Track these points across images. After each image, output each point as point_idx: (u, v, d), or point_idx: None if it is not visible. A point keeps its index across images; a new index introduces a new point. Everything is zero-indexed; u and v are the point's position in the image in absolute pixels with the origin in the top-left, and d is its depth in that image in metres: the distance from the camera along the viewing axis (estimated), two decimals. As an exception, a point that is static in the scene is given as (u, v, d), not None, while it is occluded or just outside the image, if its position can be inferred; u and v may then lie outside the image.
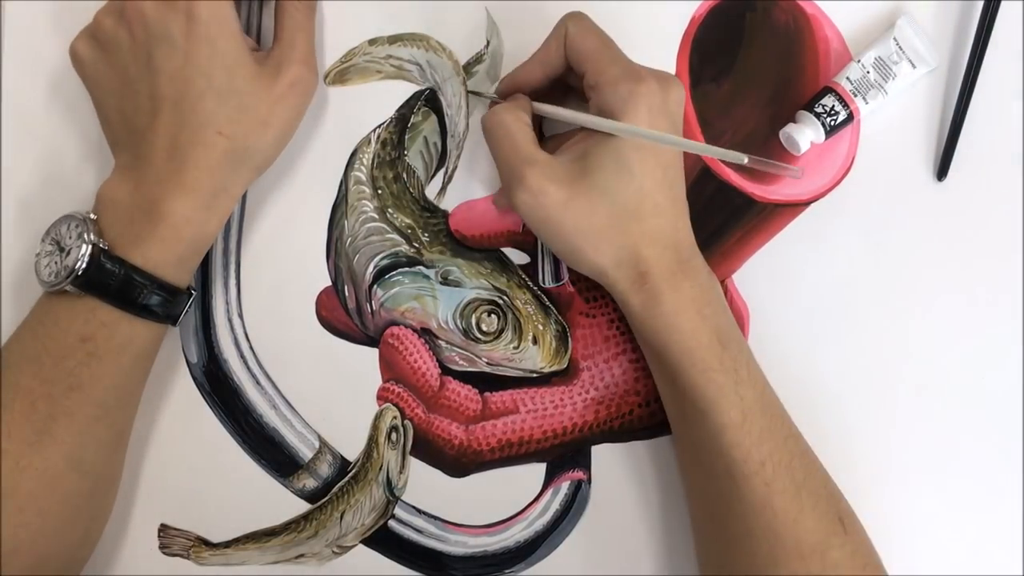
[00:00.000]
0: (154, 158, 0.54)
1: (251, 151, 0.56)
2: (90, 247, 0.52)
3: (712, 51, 0.61)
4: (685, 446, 0.56)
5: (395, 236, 0.61)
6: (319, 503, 0.60)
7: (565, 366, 0.61)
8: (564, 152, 0.54)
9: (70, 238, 0.53)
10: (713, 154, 0.51)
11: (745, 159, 0.49)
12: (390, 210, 0.61)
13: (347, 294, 0.61)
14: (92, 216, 0.54)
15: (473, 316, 0.61)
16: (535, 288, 0.61)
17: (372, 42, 0.62)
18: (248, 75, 0.55)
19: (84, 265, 0.52)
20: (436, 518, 0.60)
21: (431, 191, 0.61)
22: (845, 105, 0.59)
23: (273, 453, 0.60)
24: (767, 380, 0.55)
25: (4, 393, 0.53)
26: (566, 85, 0.58)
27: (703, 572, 0.57)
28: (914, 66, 0.59)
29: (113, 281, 0.52)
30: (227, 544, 0.60)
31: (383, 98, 0.61)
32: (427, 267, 0.61)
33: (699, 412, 0.53)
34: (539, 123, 0.60)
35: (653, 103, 0.52)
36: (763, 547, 0.52)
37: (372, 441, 0.60)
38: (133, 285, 0.53)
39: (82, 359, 0.53)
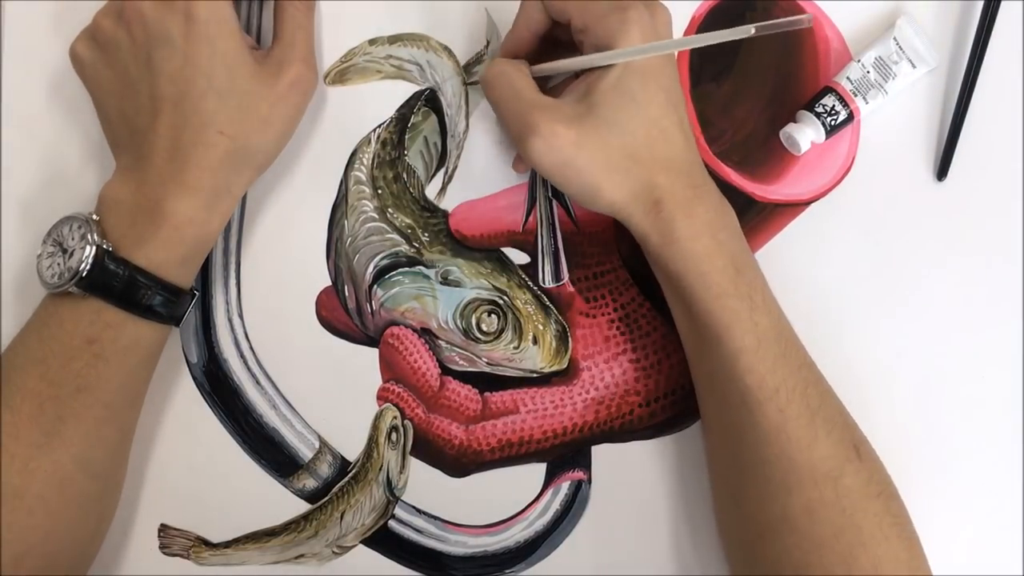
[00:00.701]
0: (156, 158, 0.54)
1: (252, 150, 0.56)
2: (94, 248, 0.52)
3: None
4: (700, 376, 0.56)
5: (395, 236, 0.61)
6: (319, 503, 0.60)
7: (565, 366, 0.61)
8: (567, 94, 0.54)
9: (73, 239, 0.53)
10: (718, 38, 0.50)
11: (752, 30, 0.48)
12: (390, 210, 0.61)
13: (347, 294, 0.61)
14: (95, 217, 0.54)
15: (473, 316, 0.61)
16: (535, 288, 0.61)
17: (372, 42, 0.62)
18: (249, 74, 0.55)
19: (88, 267, 0.52)
20: (436, 518, 0.60)
21: (431, 191, 0.61)
22: (845, 105, 0.59)
23: (273, 453, 0.60)
24: (780, 308, 0.55)
25: (11, 396, 0.53)
26: (553, 45, 0.57)
27: (717, 505, 0.57)
28: (914, 66, 0.59)
29: (117, 282, 0.52)
30: (227, 544, 0.60)
31: (383, 98, 0.61)
32: (427, 267, 0.61)
33: (713, 338, 0.52)
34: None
35: (644, 26, 0.52)
36: (777, 474, 0.52)
37: (372, 441, 0.60)
38: (137, 286, 0.53)
39: (89, 361, 0.53)
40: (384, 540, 0.60)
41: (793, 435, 0.51)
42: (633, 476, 0.60)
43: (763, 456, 0.52)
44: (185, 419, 0.60)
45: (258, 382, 0.61)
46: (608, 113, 0.52)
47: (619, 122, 0.52)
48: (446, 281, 0.61)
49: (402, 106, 0.61)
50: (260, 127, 0.55)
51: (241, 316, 0.61)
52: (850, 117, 0.59)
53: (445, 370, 0.61)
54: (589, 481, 0.60)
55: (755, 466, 0.53)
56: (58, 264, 0.53)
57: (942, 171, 0.61)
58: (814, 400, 0.53)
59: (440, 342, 0.61)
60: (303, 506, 0.60)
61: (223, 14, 0.54)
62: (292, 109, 0.57)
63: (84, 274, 0.52)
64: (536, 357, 0.60)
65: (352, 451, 0.61)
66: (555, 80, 0.59)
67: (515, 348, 0.61)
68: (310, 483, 0.60)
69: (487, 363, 0.61)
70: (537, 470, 0.61)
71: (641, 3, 0.53)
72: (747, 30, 0.48)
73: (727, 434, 0.54)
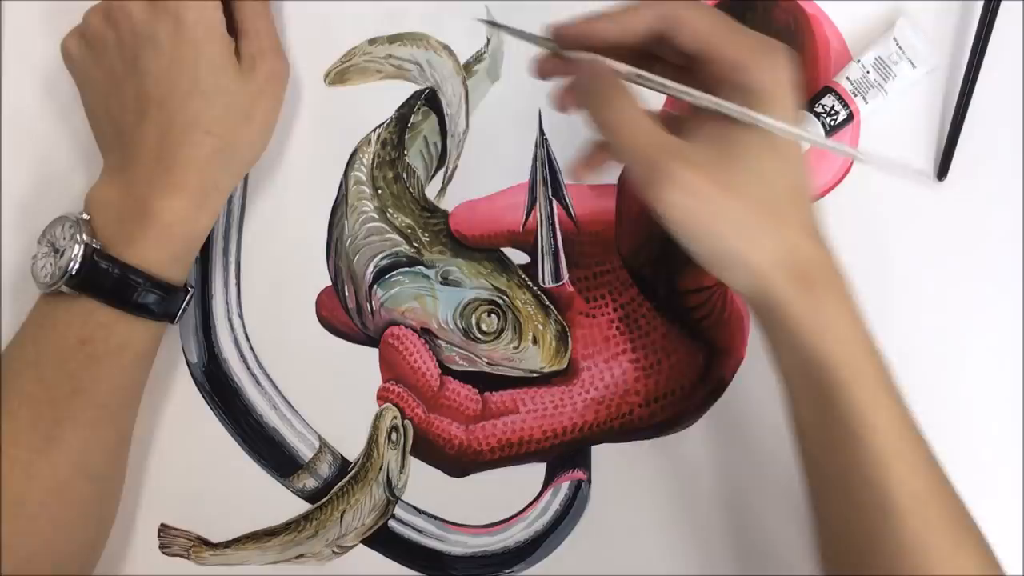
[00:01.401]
0: (143, 158, 0.54)
1: (239, 148, 0.56)
2: (82, 247, 0.52)
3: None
4: (829, 475, 0.50)
5: (395, 236, 0.61)
6: (319, 503, 0.60)
7: (565, 366, 0.61)
8: (694, 135, 0.47)
9: (64, 239, 0.53)
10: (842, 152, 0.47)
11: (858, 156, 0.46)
12: (390, 210, 0.61)
13: (347, 294, 0.61)
14: (85, 217, 0.54)
15: (473, 316, 0.61)
16: (535, 288, 0.61)
17: (372, 42, 0.62)
18: (233, 75, 0.55)
19: (77, 265, 0.52)
20: (436, 518, 0.60)
21: (431, 191, 0.61)
22: (845, 105, 0.59)
23: (273, 453, 0.60)
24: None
25: (8, 399, 0.53)
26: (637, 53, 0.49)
27: None
28: (914, 66, 0.59)
29: (107, 280, 0.52)
30: (227, 544, 0.60)
31: (383, 98, 0.61)
32: (427, 267, 0.61)
33: (855, 438, 0.46)
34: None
35: (791, 72, 0.46)
36: None
37: (372, 441, 0.60)
38: (128, 284, 0.53)
39: (83, 362, 0.53)
40: (384, 540, 0.60)
41: (933, 547, 0.47)
42: (633, 476, 0.60)
43: (896, 568, 0.47)
44: (185, 419, 0.60)
45: (258, 382, 0.61)
46: (755, 164, 0.46)
47: (766, 175, 0.46)
48: (446, 281, 0.61)
49: (402, 106, 0.61)
50: (245, 124, 0.56)
51: (241, 316, 0.61)
52: (850, 117, 0.59)
53: (445, 370, 0.61)
54: (589, 481, 0.60)
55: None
56: (50, 264, 0.53)
57: (942, 171, 0.61)
58: (951, 508, 0.48)
59: (440, 342, 0.61)
60: (303, 506, 0.60)
61: (210, 16, 0.55)
62: (271, 100, 0.58)
63: (74, 272, 0.52)
64: (536, 357, 0.61)
65: (352, 451, 0.61)
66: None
67: (515, 348, 0.61)
68: (310, 483, 0.61)
69: (487, 363, 0.61)
70: (537, 470, 0.61)
71: (782, 44, 0.46)
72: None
73: (854, 540, 0.49)
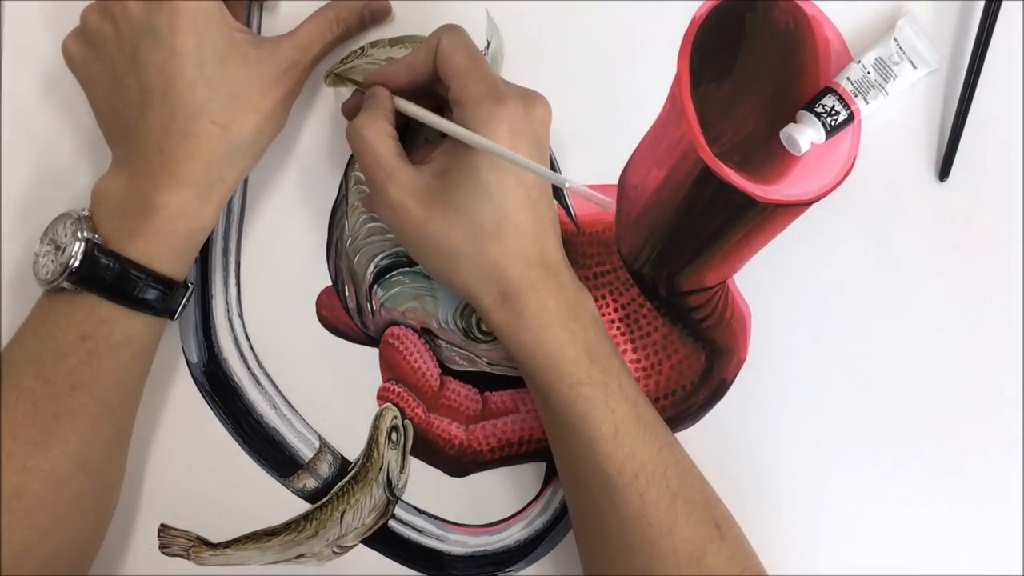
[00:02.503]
0: (146, 151, 0.54)
1: (246, 139, 0.55)
2: (83, 243, 0.52)
3: (713, 52, 0.61)
4: (562, 463, 0.56)
5: (395, 236, 0.61)
6: (319, 503, 0.60)
7: (565, 366, 0.61)
8: (427, 165, 0.54)
9: (65, 236, 0.53)
10: (544, 176, 0.52)
11: (567, 183, 0.51)
12: (391, 210, 0.61)
13: (347, 294, 0.61)
14: (86, 213, 0.54)
15: (473, 316, 0.61)
16: (535, 288, 0.61)
17: (373, 44, 0.62)
18: (240, 61, 0.55)
19: (78, 261, 0.52)
20: (436, 518, 0.60)
21: (431, 191, 0.61)
22: (846, 105, 0.59)
23: (273, 453, 0.60)
24: (640, 392, 0.54)
25: (7, 394, 0.53)
26: (435, 92, 0.57)
27: None
28: (915, 67, 0.59)
29: (108, 275, 0.52)
30: (227, 544, 0.60)
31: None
32: (427, 267, 0.61)
33: (571, 427, 0.52)
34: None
35: (515, 124, 0.52)
36: (641, 559, 0.52)
37: (372, 441, 0.60)
38: (129, 279, 0.53)
39: (83, 357, 0.53)
40: (384, 540, 0.60)
41: (654, 520, 0.51)
42: (633, 476, 0.60)
43: (626, 542, 0.52)
44: (185, 419, 0.60)
45: (258, 382, 0.61)
46: (458, 199, 0.52)
47: (468, 210, 0.52)
48: (446, 281, 0.61)
49: (403, 107, 0.62)
50: (253, 115, 0.55)
51: (241, 316, 0.61)
52: (850, 117, 0.59)
53: (445, 370, 0.61)
54: (589, 481, 0.60)
55: (620, 552, 0.52)
56: (51, 261, 0.53)
57: (944, 172, 0.61)
58: (674, 482, 0.52)
59: (440, 342, 0.61)
60: (303, 506, 0.60)
61: (209, 5, 0.54)
62: (284, 94, 0.57)
63: (74, 268, 0.52)
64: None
65: (352, 451, 0.61)
66: (426, 132, 0.59)
67: (515, 348, 0.61)
68: (310, 483, 0.60)
69: (487, 363, 0.61)
70: (537, 469, 0.61)
71: (518, 97, 0.53)
72: (562, 181, 0.51)
73: (591, 521, 0.54)
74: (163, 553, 0.60)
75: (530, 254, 0.53)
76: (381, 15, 0.61)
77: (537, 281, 0.53)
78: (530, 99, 0.54)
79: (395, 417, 0.60)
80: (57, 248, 0.53)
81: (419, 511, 0.60)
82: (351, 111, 0.58)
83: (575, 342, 0.53)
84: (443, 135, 0.55)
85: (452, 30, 0.55)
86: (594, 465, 0.52)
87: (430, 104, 0.56)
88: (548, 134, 0.55)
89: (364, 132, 0.54)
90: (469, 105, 0.52)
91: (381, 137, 0.54)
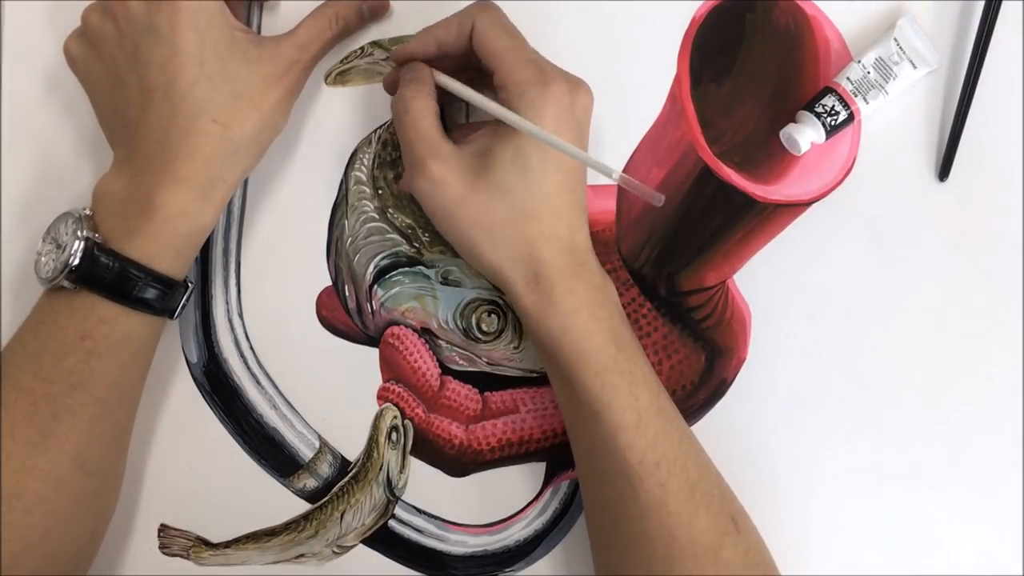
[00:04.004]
0: (147, 150, 0.54)
1: (248, 138, 0.55)
2: (83, 242, 0.52)
3: (713, 51, 0.61)
4: (581, 451, 0.55)
5: (395, 236, 0.61)
6: (319, 503, 0.60)
7: (565, 366, 0.61)
8: (468, 144, 0.54)
9: (66, 235, 0.53)
10: (591, 165, 0.52)
11: (614, 174, 0.51)
12: (391, 210, 0.61)
13: (347, 294, 0.61)
14: (87, 212, 0.54)
15: (473, 316, 0.61)
16: (535, 288, 0.61)
17: (373, 44, 0.62)
18: (241, 60, 0.55)
19: (78, 260, 0.52)
20: (436, 518, 0.60)
21: (431, 191, 0.61)
22: (846, 105, 0.59)
23: (273, 453, 0.60)
24: (661, 384, 0.54)
25: (6, 393, 0.53)
26: (473, 65, 0.56)
27: None
28: (915, 67, 0.59)
29: (107, 275, 0.52)
30: (227, 544, 0.60)
31: (384, 99, 0.61)
32: (427, 267, 0.61)
33: (594, 414, 0.52)
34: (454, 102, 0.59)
35: (561, 108, 0.52)
36: (659, 548, 0.52)
37: (372, 441, 0.60)
38: (128, 278, 0.53)
39: (82, 356, 0.53)
40: (384, 540, 0.60)
41: (674, 509, 0.51)
42: (633, 476, 0.60)
43: (644, 531, 0.52)
44: (185, 419, 0.60)
45: (258, 382, 0.61)
46: (500, 178, 0.52)
47: (510, 189, 0.52)
48: (446, 281, 0.61)
49: (403, 107, 0.62)
50: (254, 114, 0.55)
51: (241, 316, 0.61)
52: (850, 118, 0.59)
53: (445, 370, 0.61)
54: (589, 481, 0.60)
55: (637, 542, 0.52)
56: (52, 260, 0.53)
57: (944, 172, 0.61)
58: (693, 474, 0.53)
59: (440, 342, 0.61)
60: (303, 506, 0.60)
61: (210, 3, 0.54)
62: (285, 92, 0.57)
63: (73, 267, 0.52)
64: (536, 357, 0.60)
65: (352, 451, 0.61)
66: (474, 113, 0.59)
67: (515, 348, 0.61)
68: (310, 483, 0.60)
69: (487, 363, 0.61)
70: (537, 469, 0.61)
71: (565, 80, 0.53)
72: (609, 171, 0.51)
73: (608, 510, 0.54)
74: (163, 553, 0.60)
75: (563, 239, 0.53)
76: (380, 11, 0.61)
77: (568, 266, 0.53)
78: (575, 84, 0.53)
79: (395, 417, 0.60)
80: (58, 247, 0.53)
81: (419, 511, 0.60)
82: (391, 85, 0.58)
83: (602, 329, 0.53)
84: (468, 114, 0.56)
85: (487, 10, 0.54)
86: (616, 453, 0.52)
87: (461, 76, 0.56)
88: (589, 120, 0.55)
89: (410, 104, 0.54)
90: (515, 89, 0.52)
91: (427, 111, 0.54)
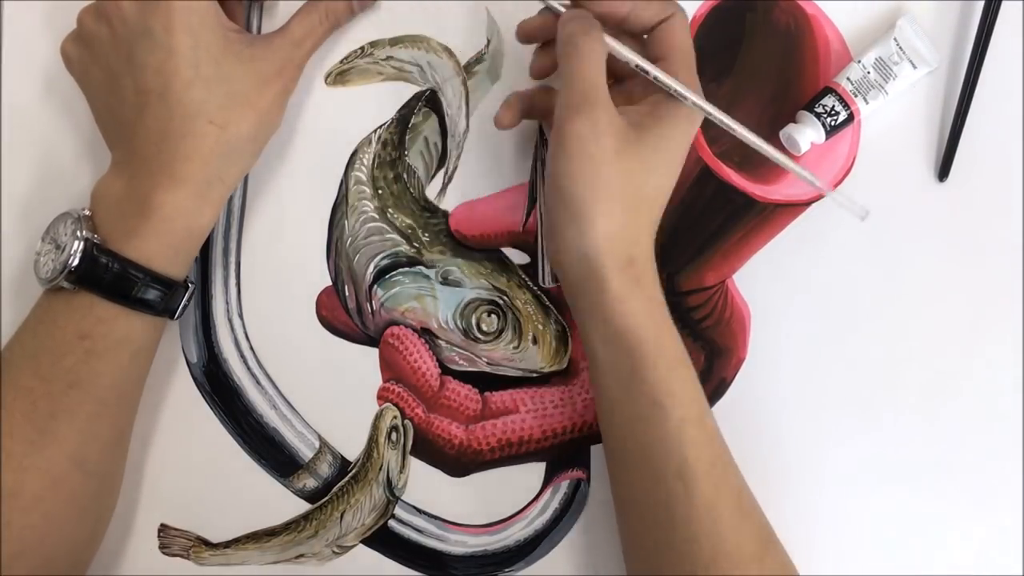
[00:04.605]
0: (144, 152, 0.54)
1: (244, 137, 0.55)
2: (82, 242, 0.52)
3: (713, 51, 0.61)
4: (633, 448, 0.53)
5: (395, 236, 0.61)
6: (319, 503, 0.60)
7: (565, 366, 0.61)
8: (634, 106, 0.54)
9: (65, 235, 0.53)
10: (800, 175, 0.54)
11: (826, 189, 0.52)
12: (390, 210, 0.61)
13: (347, 294, 0.61)
14: (86, 212, 0.54)
15: (473, 316, 0.61)
16: (535, 288, 0.61)
17: (373, 44, 0.62)
18: (235, 60, 0.55)
19: (77, 260, 0.52)
20: (436, 518, 0.60)
21: (431, 191, 0.61)
22: (846, 105, 0.59)
23: (273, 453, 0.60)
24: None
25: (4, 392, 0.53)
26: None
27: None
28: (915, 67, 0.59)
29: (107, 275, 0.52)
30: (227, 544, 0.60)
31: (384, 99, 0.61)
32: (427, 267, 0.61)
33: (658, 407, 0.51)
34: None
35: (686, 26, 0.54)
36: (705, 553, 0.51)
37: (372, 441, 0.60)
38: (128, 279, 0.53)
39: (81, 356, 0.53)
40: (384, 540, 0.60)
41: (724, 514, 0.51)
42: (633, 476, 0.60)
43: (692, 535, 0.51)
44: (185, 419, 0.60)
45: (258, 382, 0.61)
46: (646, 154, 0.52)
47: (648, 171, 0.52)
48: (446, 281, 0.61)
49: (402, 107, 0.61)
50: (250, 114, 0.55)
51: (241, 316, 0.61)
52: (850, 118, 0.59)
53: (445, 370, 0.61)
54: (588, 480, 0.60)
55: (681, 545, 0.51)
56: (51, 260, 0.53)
57: (943, 172, 0.61)
58: (739, 479, 0.53)
59: (440, 342, 0.61)
60: (303, 506, 0.60)
61: (203, 5, 0.54)
62: (280, 90, 0.57)
63: (73, 267, 0.52)
64: (536, 357, 0.60)
65: (352, 451, 0.61)
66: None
67: (515, 348, 0.61)
68: (310, 483, 0.60)
69: (487, 363, 0.61)
70: (537, 469, 0.61)
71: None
72: (815, 181, 0.53)
73: (653, 511, 0.53)
74: (163, 553, 0.60)
75: (654, 231, 0.54)
76: (367, 3, 0.61)
77: (652, 258, 0.54)
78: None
79: (395, 417, 0.60)
80: (57, 247, 0.53)
81: (419, 511, 0.60)
82: (532, 31, 0.57)
83: (669, 322, 0.53)
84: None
85: (683, 11, 0.54)
86: (675, 449, 0.51)
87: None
88: None
89: (594, 43, 0.52)
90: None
91: (603, 56, 0.52)
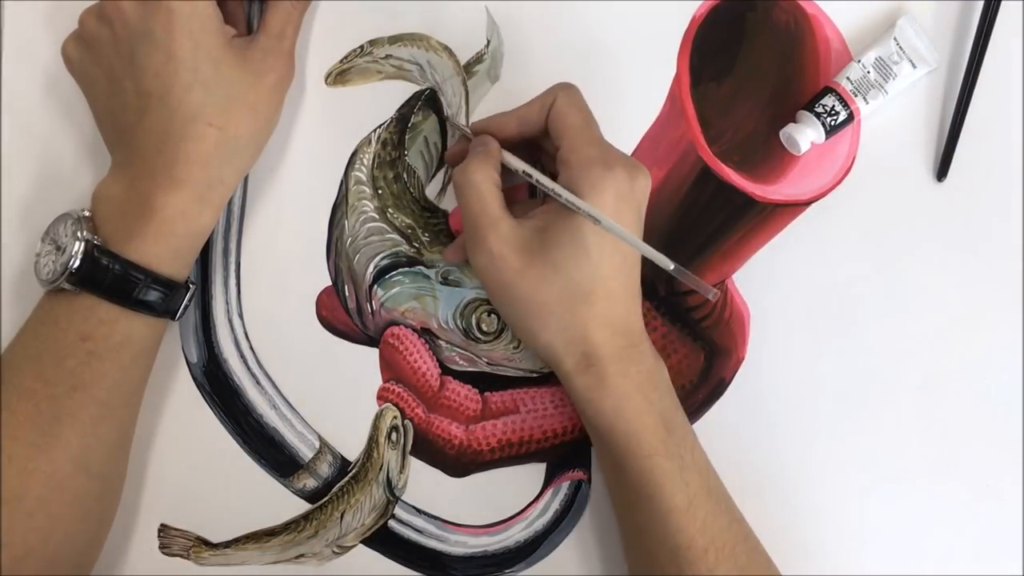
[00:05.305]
0: (145, 154, 0.54)
1: (243, 139, 0.56)
2: (83, 244, 0.52)
3: (713, 51, 0.61)
4: (629, 530, 0.56)
5: (395, 236, 0.61)
6: (319, 503, 0.60)
7: (565, 366, 0.61)
8: (528, 220, 0.54)
9: (66, 236, 0.53)
10: (649, 255, 0.52)
11: (671, 266, 0.51)
12: (390, 210, 0.61)
13: (347, 294, 0.61)
14: (87, 214, 0.54)
15: (473, 316, 0.61)
16: (535, 288, 0.61)
17: (372, 43, 0.62)
18: (233, 64, 0.55)
19: (78, 262, 0.52)
20: (436, 518, 0.60)
21: (431, 191, 0.61)
22: (845, 105, 0.59)
23: (273, 453, 0.60)
24: (711, 465, 0.55)
25: (7, 395, 0.53)
26: (537, 145, 0.57)
27: None
28: (914, 66, 0.59)
29: (108, 276, 0.52)
30: (227, 544, 0.60)
31: (383, 98, 0.61)
32: (427, 267, 0.61)
33: (644, 497, 0.52)
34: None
35: (620, 190, 0.52)
36: None
37: (372, 441, 0.60)
38: (129, 280, 0.53)
39: (83, 358, 0.53)
40: (384, 540, 0.60)
41: None
42: (633, 476, 0.60)
43: None
44: (185, 419, 0.60)
45: (258, 382, 0.61)
46: (558, 256, 0.52)
47: (565, 269, 0.52)
48: (446, 281, 0.61)
49: (402, 106, 0.61)
50: (248, 114, 0.56)
51: (241, 316, 0.61)
52: (850, 117, 0.59)
53: (445, 370, 0.61)
54: (589, 481, 0.60)
55: None
56: (52, 261, 0.53)
57: (942, 171, 0.61)
58: (742, 559, 0.53)
59: (440, 342, 0.61)
60: (303, 506, 0.60)
61: (204, 8, 0.55)
62: (276, 94, 0.58)
63: (74, 269, 0.52)
64: (536, 357, 0.60)
65: (352, 451, 0.61)
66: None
67: (515, 348, 0.61)
68: (310, 483, 0.60)
69: (487, 363, 0.61)
70: (537, 470, 0.61)
71: (625, 165, 0.52)
72: (667, 264, 0.51)
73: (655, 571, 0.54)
74: (163, 553, 0.60)
75: (616, 321, 0.53)
76: None
77: (621, 349, 0.53)
78: (635, 168, 0.53)
79: (395, 417, 0.60)
80: (58, 248, 0.53)
81: (419, 511, 0.60)
82: (456, 157, 0.58)
83: (653, 412, 0.53)
84: (534, 194, 0.56)
85: (568, 89, 0.55)
86: (665, 537, 0.52)
87: (527, 155, 0.56)
88: (646, 205, 0.54)
89: (473, 177, 0.53)
90: (579, 166, 0.52)
91: (489, 185, 0.53)
